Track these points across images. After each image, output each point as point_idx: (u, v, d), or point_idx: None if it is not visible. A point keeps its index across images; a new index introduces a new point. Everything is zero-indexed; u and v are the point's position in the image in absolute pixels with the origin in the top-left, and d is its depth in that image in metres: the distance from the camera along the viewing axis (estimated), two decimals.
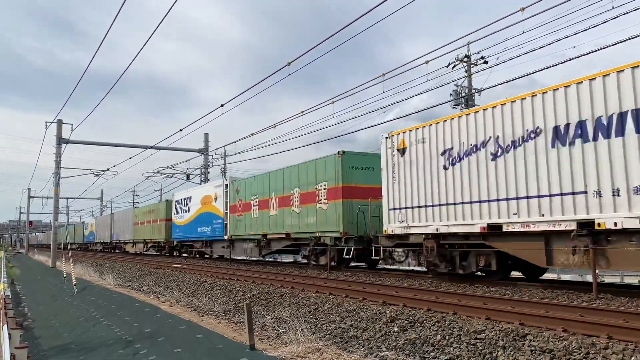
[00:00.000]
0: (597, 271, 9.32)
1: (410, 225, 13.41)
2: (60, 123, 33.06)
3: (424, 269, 14.72)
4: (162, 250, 36.68)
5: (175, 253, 34.62)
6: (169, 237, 33.63)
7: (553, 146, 10.06)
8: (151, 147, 33.23)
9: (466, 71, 26.04)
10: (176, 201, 32.22)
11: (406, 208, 13.57)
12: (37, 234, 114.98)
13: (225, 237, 24.56)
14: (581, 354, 5.47)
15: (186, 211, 30.28)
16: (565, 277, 19.40)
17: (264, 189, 21.25)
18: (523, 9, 12.18)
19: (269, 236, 20.74)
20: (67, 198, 70.89)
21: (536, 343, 5.93)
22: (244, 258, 26.01)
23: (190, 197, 29.83)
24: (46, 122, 32.64)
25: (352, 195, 16.40)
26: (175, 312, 11.36)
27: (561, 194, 9.87)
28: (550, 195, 10.06)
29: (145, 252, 40.10)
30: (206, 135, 39.34)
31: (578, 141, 9.61)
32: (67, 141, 33.36)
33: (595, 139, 9.36)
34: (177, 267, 21.08)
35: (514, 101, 10.87)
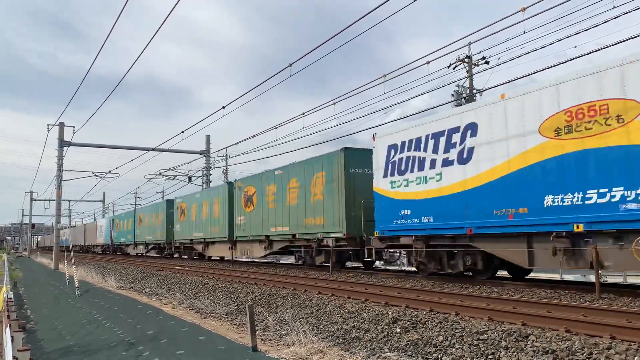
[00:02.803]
0: (599, 271, 9.30)
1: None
2: (62, 126, 33.19)
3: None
4: None
5: None
6: None
7: None
8: (153, 150, 33.26)
9: (467, 71, 26.00)
10: None
11: None
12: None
13: None
14: (584, 354, 5.46)
15: None
16: (568, 277, 19.33)
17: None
18: (524, 9, 12.16)
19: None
20: (69, 200, 70.73)
21: (539, 343, 5.93)
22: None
23: None
24: (48, 125, 32.80)
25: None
26: (177, 314, 11.37)
27: None
28: None
29: None
30: (208, 137, 39.38)
31: None
32: (69, 144, 33.45)
33: None
34: (180, 269, 21.09)
35: None
